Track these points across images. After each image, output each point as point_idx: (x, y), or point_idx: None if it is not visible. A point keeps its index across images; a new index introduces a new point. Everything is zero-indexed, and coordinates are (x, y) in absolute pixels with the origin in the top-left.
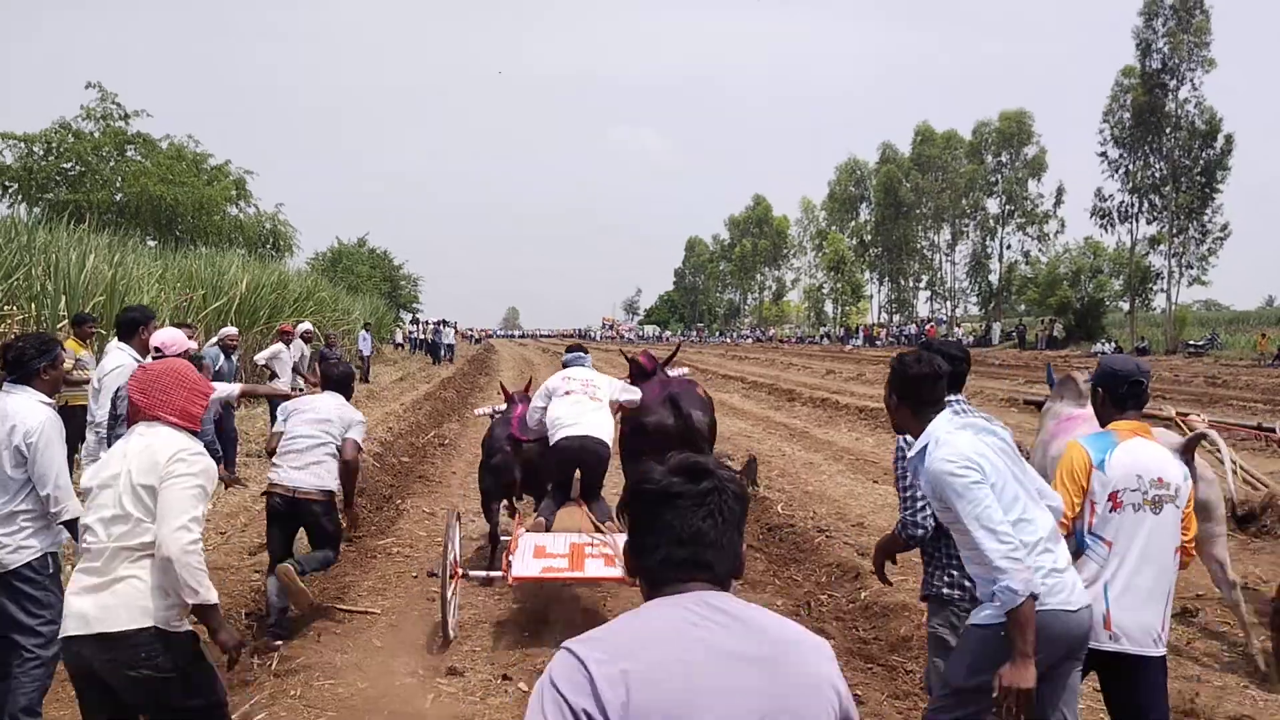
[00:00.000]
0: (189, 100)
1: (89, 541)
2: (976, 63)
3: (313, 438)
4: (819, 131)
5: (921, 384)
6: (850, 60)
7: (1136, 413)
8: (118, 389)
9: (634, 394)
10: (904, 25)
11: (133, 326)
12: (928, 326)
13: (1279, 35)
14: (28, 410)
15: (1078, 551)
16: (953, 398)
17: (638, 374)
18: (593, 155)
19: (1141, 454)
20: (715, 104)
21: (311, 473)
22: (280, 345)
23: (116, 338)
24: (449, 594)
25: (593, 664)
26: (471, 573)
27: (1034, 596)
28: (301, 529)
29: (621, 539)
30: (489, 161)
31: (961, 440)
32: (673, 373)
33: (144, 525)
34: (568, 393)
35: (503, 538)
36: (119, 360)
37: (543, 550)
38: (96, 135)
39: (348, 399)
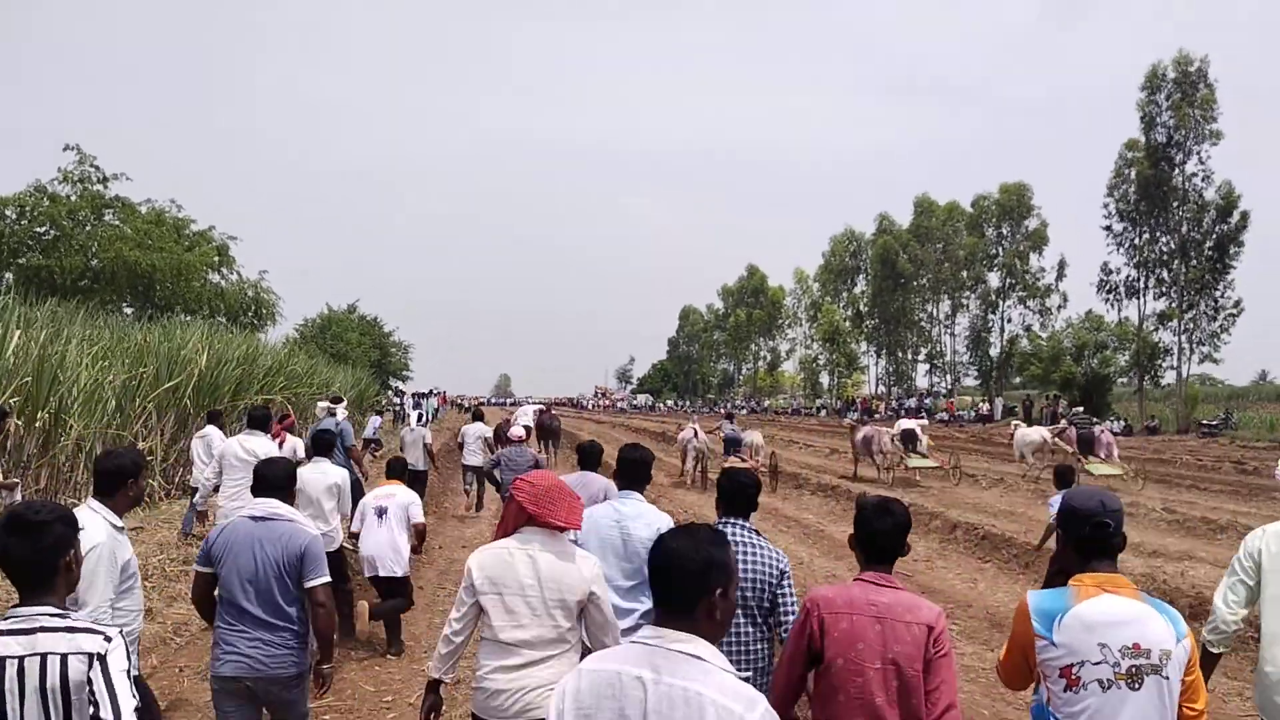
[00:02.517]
0: (182, 168)
1: (505, 637)
2: (971, 138)
3: None
4: (814, 203)
5: (626, 464)
6: (847, 135)
7: (1108, 563)
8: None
9: (529, 419)
10: (901, 102)
11: (119, 478)
12: (948, 402)
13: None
14: None
15: None
16: (731, 519)
17: (544, 413)
18: (587, 222)
19: (1106, 615)
20: (712, 174)
21: None
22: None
23: (92, 496)
24: None
25: None
26: None
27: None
28: None
29: None
30: (482, 227)
31: (591, 509)
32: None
33: (563, 630)
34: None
35: None
36: (95, 537)
37: None
38: (73, 199)
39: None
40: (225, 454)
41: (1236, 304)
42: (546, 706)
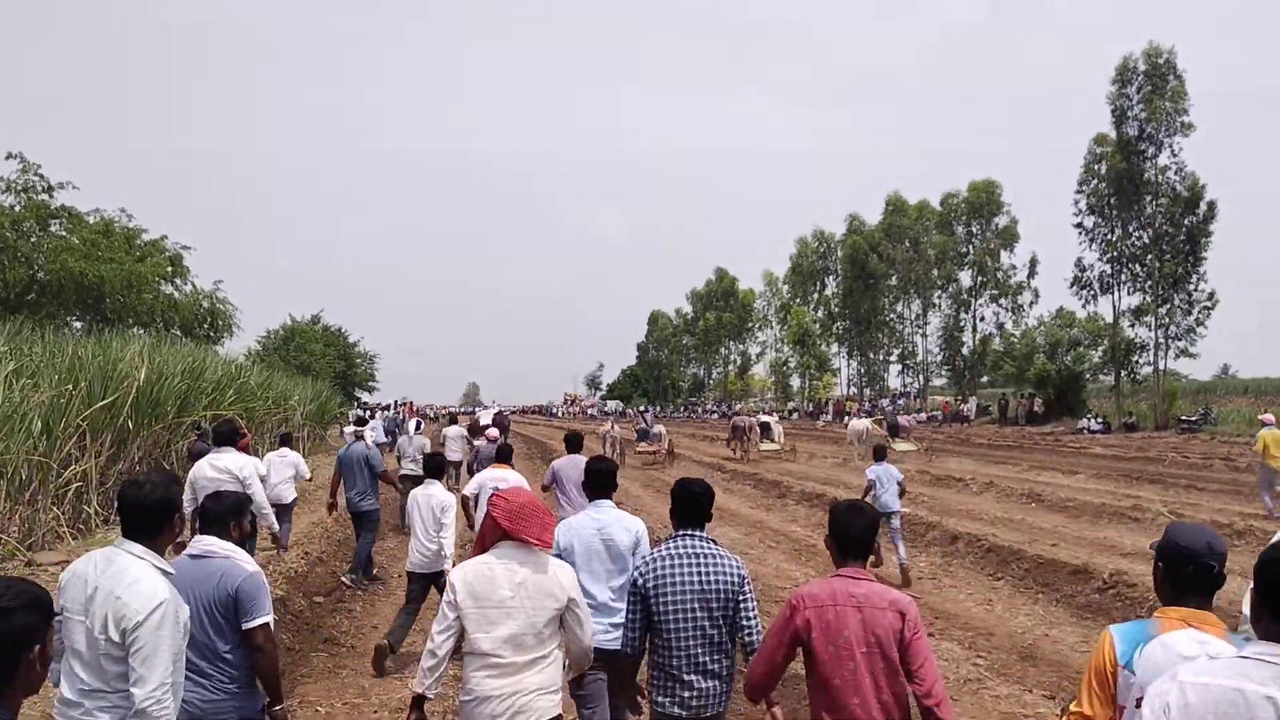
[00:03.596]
0: (141, 183)
1: (486, 647)
2: (940, 140)
3: None
4: (785, 205)
5: (594, 475)
6: (818, 136)
7: (1200, 598)
8: None
9: (489, 416)
10: (870, 101)
11: (168, 512)
12: (942, 402)
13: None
14: None
15: None
16: (686, 531)
17: (499, 414)
18: (554, 230)
19: (1184, 650)
20: (680, 179)
21: None
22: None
23: (123, 533)
24: None
25: None
26: None
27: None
28: None
29: None
30: (448, 238)
31: (571, 520)
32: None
33: (544, 636)
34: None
35: None
36: (158, 593)
37: None
38: (17, 209)
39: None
40: (195, 479)
41: (1210, 296)
42: (539, 711)
